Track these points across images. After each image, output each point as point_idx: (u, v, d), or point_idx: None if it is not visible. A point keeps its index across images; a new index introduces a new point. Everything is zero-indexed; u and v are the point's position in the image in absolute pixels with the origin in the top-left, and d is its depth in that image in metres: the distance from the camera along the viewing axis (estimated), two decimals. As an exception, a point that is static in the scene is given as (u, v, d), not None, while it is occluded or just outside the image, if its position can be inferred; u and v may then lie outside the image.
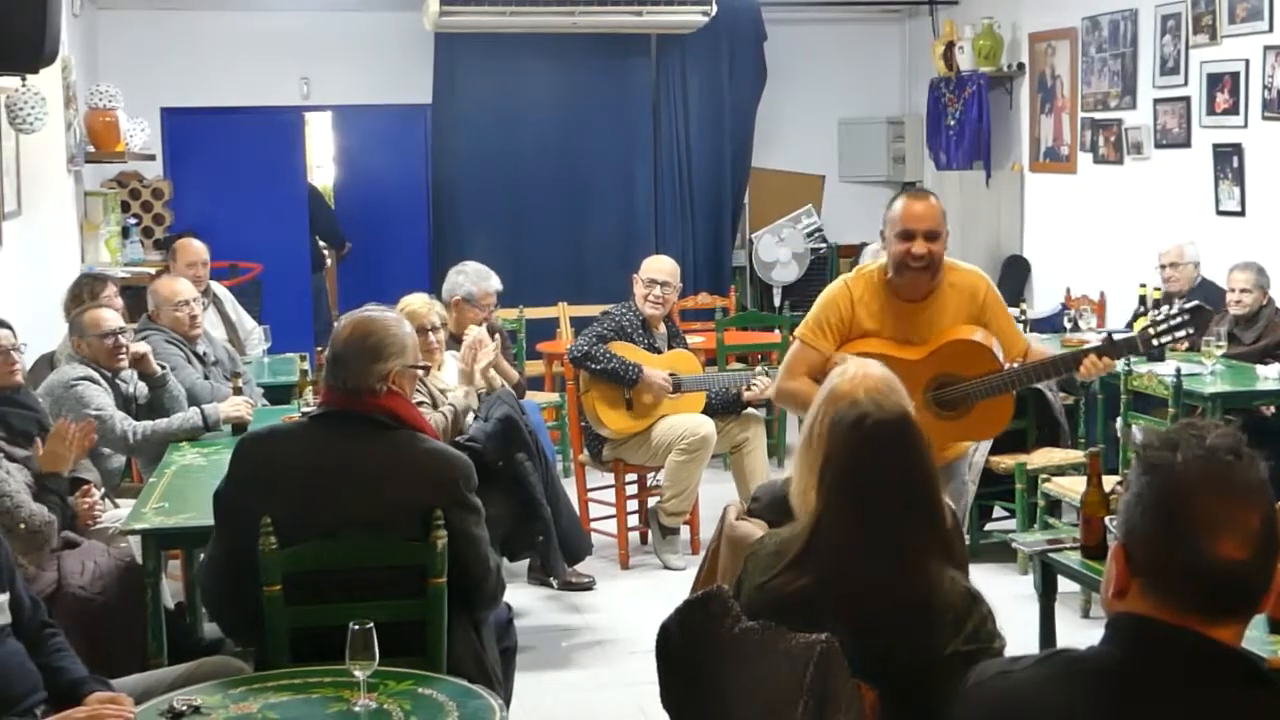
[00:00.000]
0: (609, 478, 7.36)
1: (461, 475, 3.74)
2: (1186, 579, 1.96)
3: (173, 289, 6.71)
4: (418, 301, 6.25)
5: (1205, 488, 1.95)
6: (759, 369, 7.47)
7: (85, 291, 6.59)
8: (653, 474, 7.41)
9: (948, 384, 4.67)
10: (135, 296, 7.43)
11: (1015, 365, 4.74)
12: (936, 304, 4.76)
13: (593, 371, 7.01)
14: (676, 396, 7.11)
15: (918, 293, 4.73)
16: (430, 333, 6.04)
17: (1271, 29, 7.90)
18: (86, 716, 3.22)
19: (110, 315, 5.98)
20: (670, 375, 7.11)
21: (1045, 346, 5.38)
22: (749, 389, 7.20)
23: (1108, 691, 1.98)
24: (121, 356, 5.90)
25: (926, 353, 4.64)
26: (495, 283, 7.11)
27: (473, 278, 7.07)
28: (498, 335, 6.64)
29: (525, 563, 6.70)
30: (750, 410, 7.32)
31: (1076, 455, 6.89)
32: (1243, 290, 7.43)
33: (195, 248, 7.95)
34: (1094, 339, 8.04)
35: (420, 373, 4.29)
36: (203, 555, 3.91)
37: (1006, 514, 7.21)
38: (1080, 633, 5.75)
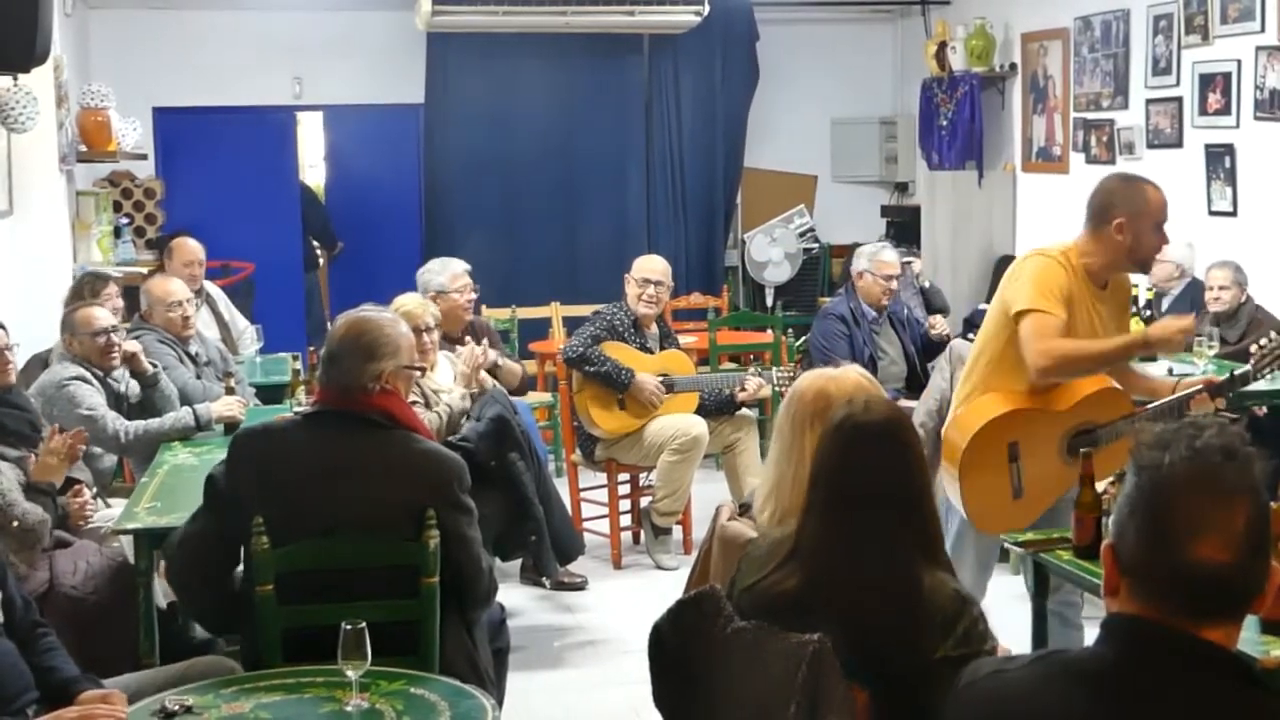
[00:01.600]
0: (601, 477, 7.36)
1: (455, 476, 3.75)
2: (1167, 580, 1.96)
3: (166, 289, 6.70)
4: (412, 302, 6.25)
5: (1188, 489, 1.95)
6: (751, 369, 7.48)
7: (87, 290, 6.59)
8: (645, 474, 7.41)
9: (1085, 430, 4.56)
10: (128, 296, 7.41)
11: (1138, 413, 4.60)
12: (1112, 292, 4.66)
13: (586, 373, 7.02)
14: (670, 397, 7.12)
15: (1103, 279, 4.61)
16: (425, 333, 6.05)
17: (1263, 29, 7.92)
18: (78, 715, 3.22)
19: (102, 314, 5.97)
20: (663, 376, 7.12)
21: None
22: (742, 389, 7.22)
23: (1102, 692, 1.98)
24: (114, 355, 5.89)
25: (1071, 404, 4.54)
26: (458, 264, 7.15)
27: (435, 270, 7.11)
28: (485, 338, 6.63)
29: (518, 562, 6.70)
30: (743, 410, 7.33)
31: (1068, 455, 6.88)
32: (1221, 287, 7.47)
33: (191, 247, 7.94)
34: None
35: (417, 374, 4.30)
36: (179, 532, 3.91)
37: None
38: (1072, 632, 5.76)
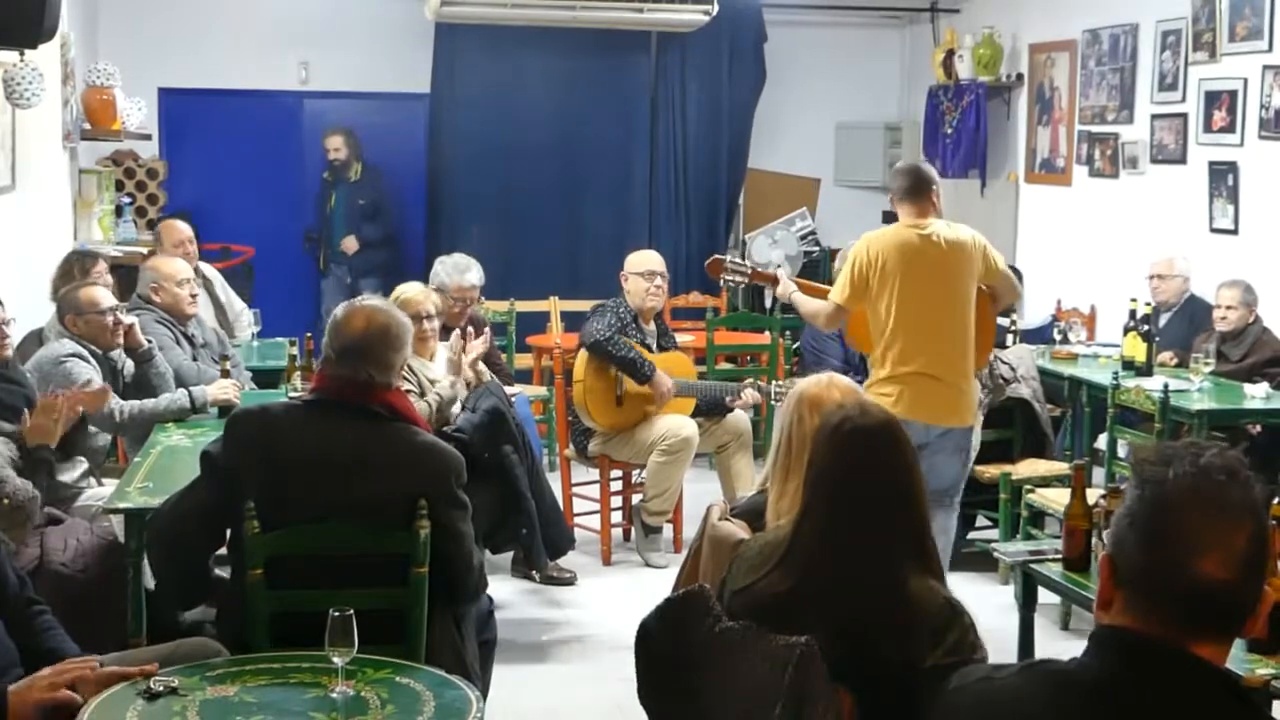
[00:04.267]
0: (593, 473, 7.36)
1: (454, 470, 3.76)
2: (1166, 595, 1.96)
3: (174, 267, 6.71)
4: (414, 290, 6.26)
5: (1192, 505, 1.95)
6: (748, 381, 7.46)
7: (76, 268, 6.57)
8: (637, 471, 7.41)
9: None
10: (127, 276, 7.41)
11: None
12: None
13: (610, 357, 6.98)
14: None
15: None
16: (425, 320, 6.05)
17: (1271, 48, 7.92)
18: (52, 672, 3.21)
19: (105, 293, 5.97)
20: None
21: None
22: (738, 398, 7.22)
23: (1089, 703, 1.99)
24: (118, 334, 5.89)
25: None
26: (473, 276, 7.07)
27: (449, 268, 7.07)
28: (487, 329, 6.62)
29: (508, 555, 6.71)
30: (737, 411, 7.33)
31: (1061, 467, 6.90)
32: (1228, 307, 7.45)
33: (180, 227, 7.96)
34: (1082, 350, 8.09)
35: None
36: (168, 501, 3.91)
37: (989, 523, 7.22)
38: (1059, 644, 5.77)
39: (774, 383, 7.46)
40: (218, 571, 4.02)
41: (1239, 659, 3.38)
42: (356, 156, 10.73)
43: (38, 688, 3.13)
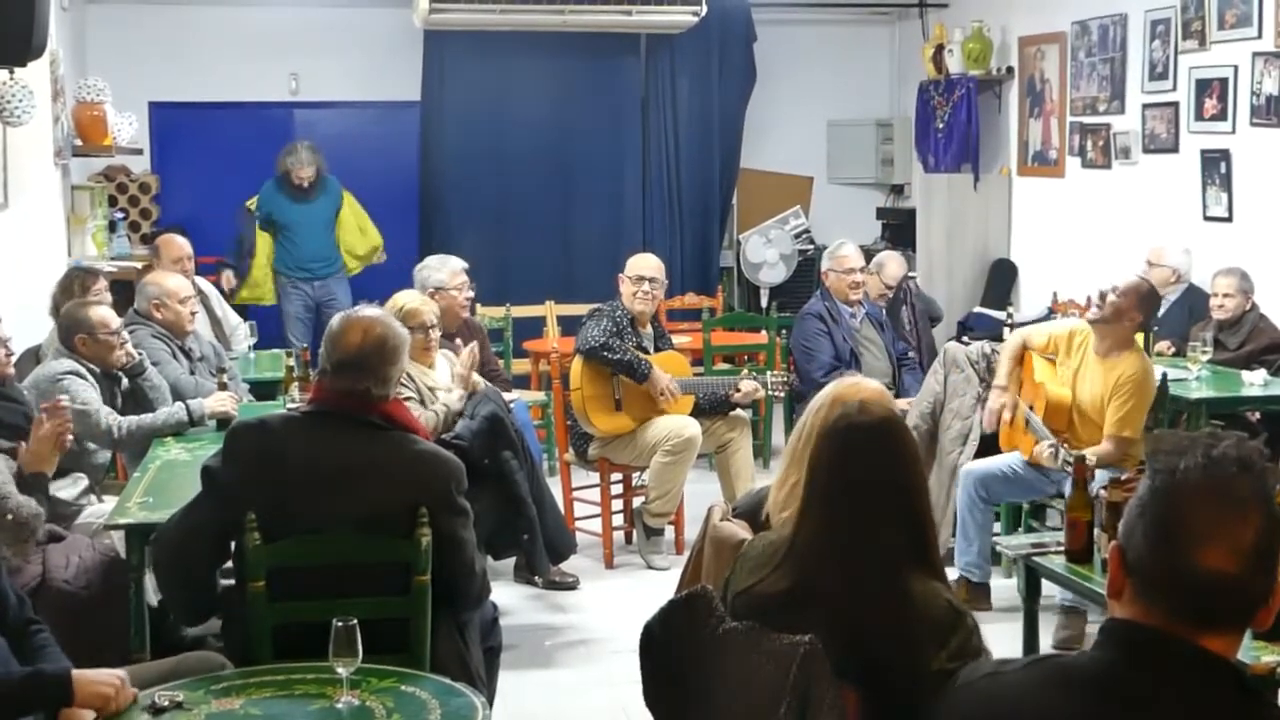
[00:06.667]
0: (594, 477, 7.35)
1: (454, 478, 3.76)
2: (1172, 586, 1.95)
3: (177, 284, 6.68)
4: (416, 299, 6.24)
5: (1200, 497, 1.94)
6: (745, 370, 7.46)
7: (76, 284, 6.56)
8: (638, 474, 7.40)
9: None
10: (122, 291, 7.40)
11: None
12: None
13: (606, 361, 6.97)
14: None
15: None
16: (428, 330, 6.03)
17: (1260, 35, 7.92)
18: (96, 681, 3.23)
19: (112, 313, 5.96)
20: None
21: None
22: (737, 390, 7.21)
23: (1098, 696, 1.98)
24: (125, 353, 5.88)
25: None
26: (457, 262, 7.12)
27: (435, 266, 7.08)
28: (473, 344, 6.60)
29: (511, 561, 6.70)
30: (737, 410, 7.33)
31: (1062, 459, 6.88)
32: (1225, 295, 7.45)
33: (178, 243, 7.93)
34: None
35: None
36: (170, 520, 3.90)
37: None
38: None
39: (770, 373, 7.45)
40: (225, 582, 4.00)
41: (1245, 646, 3.37)
42: (321, 173, 10.09)
43: (95, 680, 3.17)
